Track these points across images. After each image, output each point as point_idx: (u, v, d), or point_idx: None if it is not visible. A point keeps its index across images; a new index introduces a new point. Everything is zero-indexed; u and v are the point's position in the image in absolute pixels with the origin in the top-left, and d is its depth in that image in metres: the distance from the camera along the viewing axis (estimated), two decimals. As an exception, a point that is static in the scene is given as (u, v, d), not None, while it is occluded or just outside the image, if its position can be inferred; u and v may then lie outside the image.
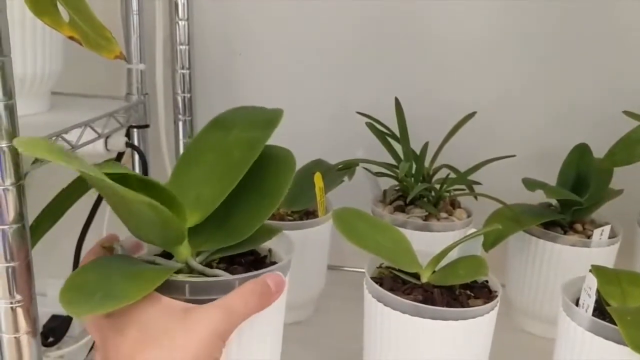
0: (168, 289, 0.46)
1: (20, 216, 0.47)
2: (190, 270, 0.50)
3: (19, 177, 0.46)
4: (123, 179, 0.44)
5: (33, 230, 0.51)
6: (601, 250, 0.76)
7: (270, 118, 0.52)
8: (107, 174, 0.42)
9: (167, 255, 0.52)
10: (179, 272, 0.49)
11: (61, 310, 0.88)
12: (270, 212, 0.51)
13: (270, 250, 0.57)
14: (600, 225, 0.78)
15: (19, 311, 0.49)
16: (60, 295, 0.42)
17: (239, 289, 0.47)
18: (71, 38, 0.56)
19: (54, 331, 0.91)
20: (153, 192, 0.46)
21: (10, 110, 0.45)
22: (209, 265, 0.52)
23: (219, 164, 0.52)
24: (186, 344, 0.43)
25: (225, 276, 0.49)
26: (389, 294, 0.57)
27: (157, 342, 0.43)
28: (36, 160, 0.61)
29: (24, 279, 0.48)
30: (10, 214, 0.46)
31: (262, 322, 0.49)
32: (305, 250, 0.77)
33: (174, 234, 0.48)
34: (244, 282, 0.47)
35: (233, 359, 0.49)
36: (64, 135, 0.63)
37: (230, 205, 0.51)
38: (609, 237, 0.76)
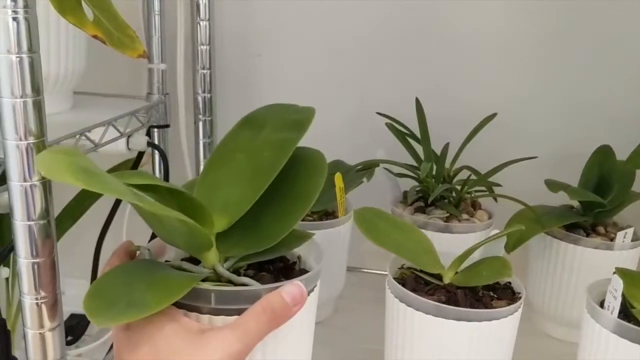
0: (194, 296, 0.45)
1: (46, 212, 0.47)
2: (218, 277, 0.49)
3: (46, 174, 0.47)
4: (151, 186, 0.44)
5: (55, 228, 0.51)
6: (624, 253, 0.75)
7: (301, 118, 0.51)
8: (133, 185, 0.42)
9: (195, 260, 0.51)
10: (205, 279, 0.48)
11: (80, 309, 0.89)
12: (299, 218, 0.49)
13: (299, 257, 0.56)
14: (623, 228, 0.77)
15: (44, 307, 0.49)
16: (84, 303, 0.41)
17: (253, 307, 0.45)
18: (95, 37, 0.56)
19: (72, 330, 0.92)
20: (180, 199, 0.45)
21: (39, 106, 0.45)
22: (236, 271, 0.51)
23: (249, 166, 0.50)
24: None
25: (252, 285, 0.47)
26: (412, 294, 0.57)
27: None
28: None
29: (48, 276, 0.49)
30: (37, 210, 0.46)
31: (296, 324, 0.49)
32: (324, 250, 0.77)
33: (201, 242, 0.47)
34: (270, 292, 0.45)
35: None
36: (87, 134, 0.64)
37: (260, 210, 0.49)
38: (632, 240, 0.75)
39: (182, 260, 0.52)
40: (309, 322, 0.53)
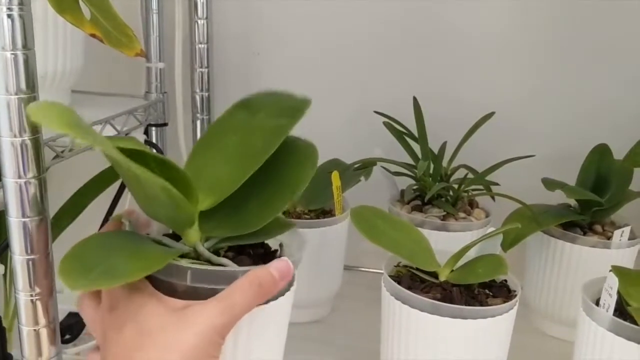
0: (170, 273, 0.44)
1: (41, 209, 0.47)
2: (197, 255, 0.49)
3: (41, 171, 0.47)
4: (139, 156, 0.43)
5: (52, 226, 0.51)
6: (621, 251, 0.75)
7: (297, 106, 0.50)
8: (123, 149, 0.41)
9: (176, 237, 0.51)
10: (184, 256, 0.48)
11: (78, 308, 0.89)
12: (284, 206, 0.49)
13: (281, 245, 0.55)
14: (620, 227, 0.77)
15: (39, 304, 0.49)
16: (60, 265, 0.40)
17: (239, 280, 0.45)
18: (93, 35, 0.56)
19: (70, 328, 0.92)
20: (168, 172, 0.45)
21: (33, 103, 0.45)
22: (216, 252, 0.50)
23: (240, 148, 0.50)
24: (181, 340, 0.42)
25: (230, 267, 0.47)
26: (408, 291, 0.57)
27: (152, 340, 0.42)
28: (56, 157, 0.62)
29: (43, 272, 0.49)
30: (32, 206, 0.46)
31: (265, 321, 0.48)
32: (321, 249, 0.77)
33: (184, 217, 0.47)
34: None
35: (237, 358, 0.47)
36: (84, 132, 0.64)
37: (246, 193, 0.49)
38: (629, 239, 0.75)
39: (163, 235, 0.51)
40: (282, 319, 0.52)
